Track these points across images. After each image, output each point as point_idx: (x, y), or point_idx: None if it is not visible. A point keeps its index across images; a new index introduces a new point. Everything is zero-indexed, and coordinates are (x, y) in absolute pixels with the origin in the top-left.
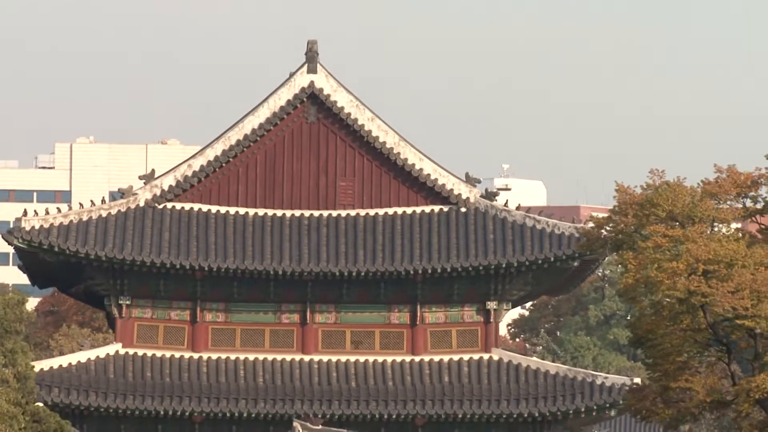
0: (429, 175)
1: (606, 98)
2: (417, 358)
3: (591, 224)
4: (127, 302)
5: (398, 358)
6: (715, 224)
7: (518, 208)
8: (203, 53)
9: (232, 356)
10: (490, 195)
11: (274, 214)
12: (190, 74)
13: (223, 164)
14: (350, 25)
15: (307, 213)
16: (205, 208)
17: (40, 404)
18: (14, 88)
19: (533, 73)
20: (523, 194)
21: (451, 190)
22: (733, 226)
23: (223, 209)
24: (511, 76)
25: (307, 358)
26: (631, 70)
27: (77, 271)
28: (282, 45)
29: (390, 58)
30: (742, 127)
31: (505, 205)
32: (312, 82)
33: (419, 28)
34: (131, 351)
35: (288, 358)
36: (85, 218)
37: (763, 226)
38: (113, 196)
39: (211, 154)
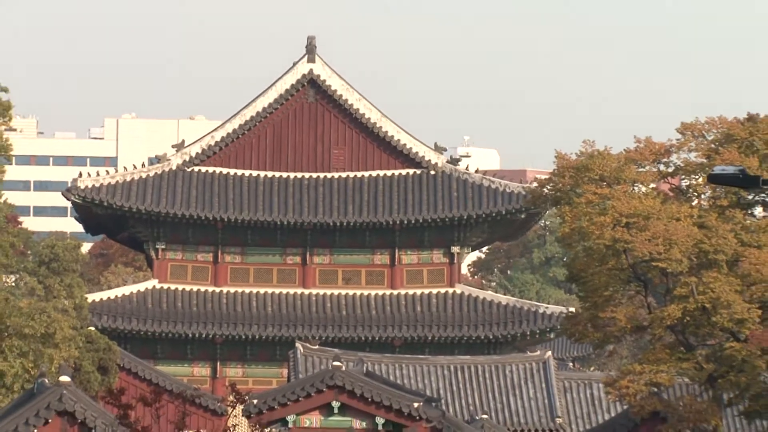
0: (405, 144)
1: (550, 79)
2: (395, 292)
3: (535, 184)
4: (162, 246)
5: (380, 292)
6: (636, 185)
7: (476, 171)
8: (225, 46)
9: (247, 290)
10: (454, 161)
11: (281, 176)
12: (213, 63)
13: (240, 136)
14: (343, 22)
15: (307, 175)
16: (225, 171)
17: (93, 328)
18: (72, 73)
19: (491, 61)
20: (480, 160)
21: (423, 156)
22: (650, 186)
23: (239, 172)
24: (473, 64)
25: (307, 291)
26: (572, 53)
27: (122, 221)
28: (287, 39)
29: (375, 49)
30: (658, 103)
31: (466, 169)
32: (311, 70)
33: (400, 23)
34: (165, 286)
35: (291, 291)
36: (128, 179)
37: (673, 186)
38: (151, 162)
39: (230, 127)
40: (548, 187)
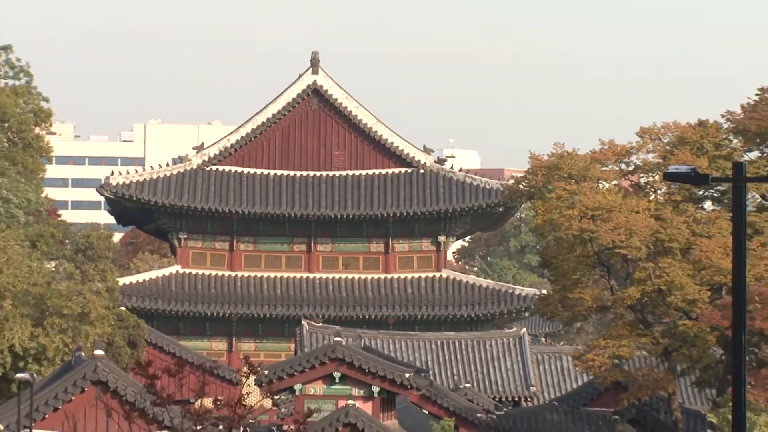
0: (398, 146)
1: (526, 87)
2: (389, 276)
3: (512, 181)
4: (184, 236)
5: (376, 276)
6: (600, 181)
7: (460, 170)
8: (240, 60)
9: (259, 274)
10: (440, 161)
11: (288, 174)
12: (229, 75)
13: (252, 139)
14: (343, 37)
15: (311, 173)
16: (239, 169)
17: (123, 308)
18: (105, 84)
19: (473, 73)
20: (463, 160)
21: (414, 157)
22: (613, 182)
23: (252, 170)
24: (458, 75)
25: (311, 275)
26: (550, 64)
27: (149, 214)
28: (293, 53)
29: (371, 59)
30: (620, 108)
31: (451, 168)
32: (315, 81)
33: (394, 37)
34: (187, 270)
35: (298, 275)
36: (154, 177)
37: (633, 183)
38: (174, 162)
39: (243, 131)
40: (523, 184)
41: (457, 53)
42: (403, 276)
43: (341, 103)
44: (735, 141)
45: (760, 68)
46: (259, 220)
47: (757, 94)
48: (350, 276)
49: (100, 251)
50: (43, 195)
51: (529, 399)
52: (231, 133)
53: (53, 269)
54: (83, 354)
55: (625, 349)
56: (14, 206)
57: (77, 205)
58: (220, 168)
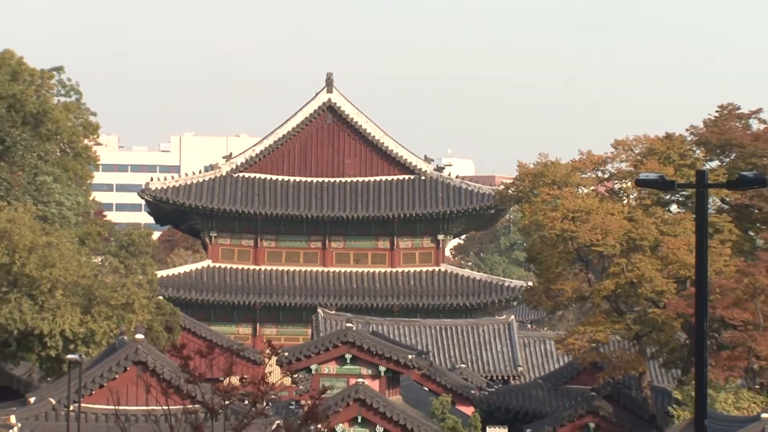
0: (402, 156)
1: (515, 104)
2: (394, 270)
3: (502, 187)
4: (215, 234)
5: (382, 270)
6: (579, 187)
7: (457, 177)
8: (264, 80)
9: (280, 268)
10: (439, 169)
11: (306, 180)
12: (255, 94)
13: (275, 149)
14: (353, 57)
15: (326, 179)
16: (263, 176)
17: (161, 298)
18: (146, 101)
19: (469, 91)
20: (459, 168)
21: (416, 165)
22: (591, 188)
23: (274, 177)
24: (456, 93)
25: (326, 269)
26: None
27: (184, 215)
28: (310, 74)
29: (379, 79)
30: (597, 121)
31: (449, 175)
32: (329, 99)
33: (399, 60)
34: (217, 265)
35: (314, 269)
36: (189, 182)
37: (608, 188)
38: (206, 169)
39: (267, 142)
40: (512, 189)
41: (454, 73)
42: (406, 270)
43: (353, 118)
44: (698, 152)
45: (722, 86)
46: (281, 220)
47: (717, 111)
48: (360, 270)
49: (141, 248)
50: (91, 198)
51: (516, 378)
52: (256, 144)
53: (100, 263)
54: (126, 338)
55: (601, 334)
56: (66, 208)
57: (121, 207)
58: (247, 175)
